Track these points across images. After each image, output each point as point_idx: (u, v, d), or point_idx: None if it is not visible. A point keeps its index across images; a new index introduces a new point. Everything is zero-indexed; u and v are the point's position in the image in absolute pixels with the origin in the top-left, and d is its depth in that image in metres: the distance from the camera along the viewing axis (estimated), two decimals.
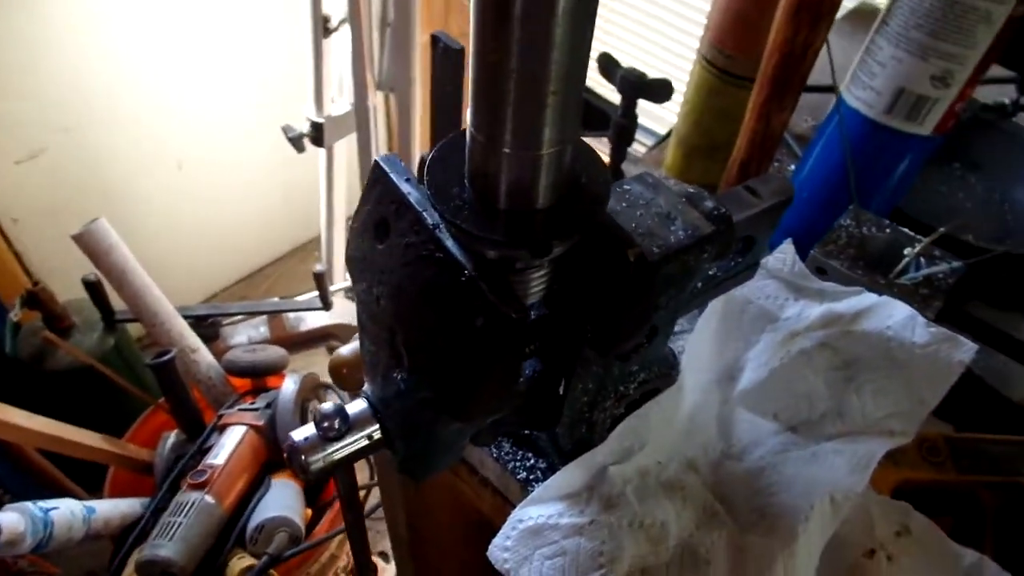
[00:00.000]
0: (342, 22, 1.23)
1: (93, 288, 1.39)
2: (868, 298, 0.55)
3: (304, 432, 0.38)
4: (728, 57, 0.74)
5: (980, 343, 0.70)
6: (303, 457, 0.38)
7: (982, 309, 0.77)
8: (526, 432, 0.59)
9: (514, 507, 0.52)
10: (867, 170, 0.69)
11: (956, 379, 0.47)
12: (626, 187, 0.43)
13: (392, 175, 0.35)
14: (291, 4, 1.86)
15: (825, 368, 0.55)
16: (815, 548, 0.48)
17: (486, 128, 0.29)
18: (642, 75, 0.77)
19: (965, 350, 0.47)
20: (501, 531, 0.51)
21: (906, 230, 0.65)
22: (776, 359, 0.57)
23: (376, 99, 1.08)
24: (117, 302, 1.44)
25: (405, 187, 0.34)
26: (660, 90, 0.76)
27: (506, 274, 0.33)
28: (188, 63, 1.82)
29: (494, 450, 0.58)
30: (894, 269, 0.62)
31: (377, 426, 0.39)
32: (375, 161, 0.36)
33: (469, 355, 0.32)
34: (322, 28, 1.20)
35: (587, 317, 0.38)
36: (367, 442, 0.39)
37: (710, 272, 0.51)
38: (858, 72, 0.68)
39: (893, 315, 0.50)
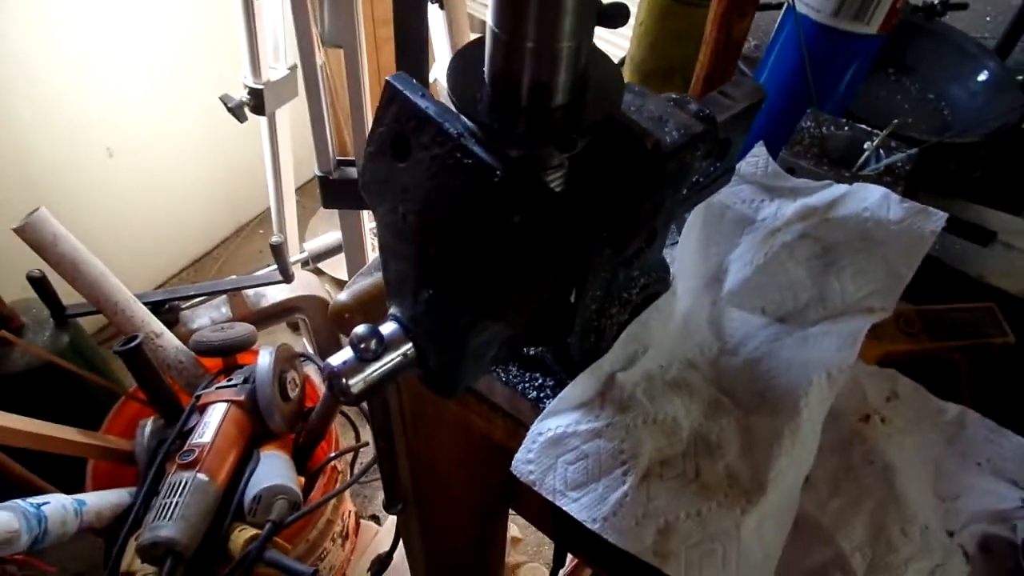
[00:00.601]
0: None
1: (39, 284, 1.33)
2: (839, 188, 0.58)
3: (341, 357, 0.39)
4: None
5: None
6: (344, 380, 0.39)
7: (928, 198, 0.82)
8: (532, 353, 0.61)
9: (527, 428, 0.54)
10: (820, 73, 0.72)
11: (929, 248, 0.51)
12: None
13: (407, 92, 0.36)
14: None
15: (806, 258, 0.58)
16: (817, 420, 0.51)
17: (509, 25, 0.30)
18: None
19: (936, 219, 0.51)
20: (522, 446, 0.53)
21: (863, 126, 0.69)
22: (760, 256, 0.60)
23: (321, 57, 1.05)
24: (66, 297, 1.40)
25: (422, 102, 0.35)
26: (616, 15, 0.77)
27: (532, 170, 0.35)
28: (108, 44, 1.73)
29: (502, 374, 0.60)
30: (856, 163, 0.66)
31: (410, 344, 0.41)
32: (387, 81, 0.36)
33: (509, 252, 0.33)
34: None
35: (601, 216, 0.40)
36: (402, 359, 0.41)
37: (694, 178, 0.54)
38: None
39: (868, 197, 0.54)
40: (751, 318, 0.61)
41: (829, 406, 0.52)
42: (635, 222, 0.40)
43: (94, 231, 1.92)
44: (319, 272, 2.20)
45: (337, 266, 2.17)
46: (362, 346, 0.39)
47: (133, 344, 1.10)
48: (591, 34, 0.32)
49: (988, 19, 1.22)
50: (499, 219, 0.33)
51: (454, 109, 0.35)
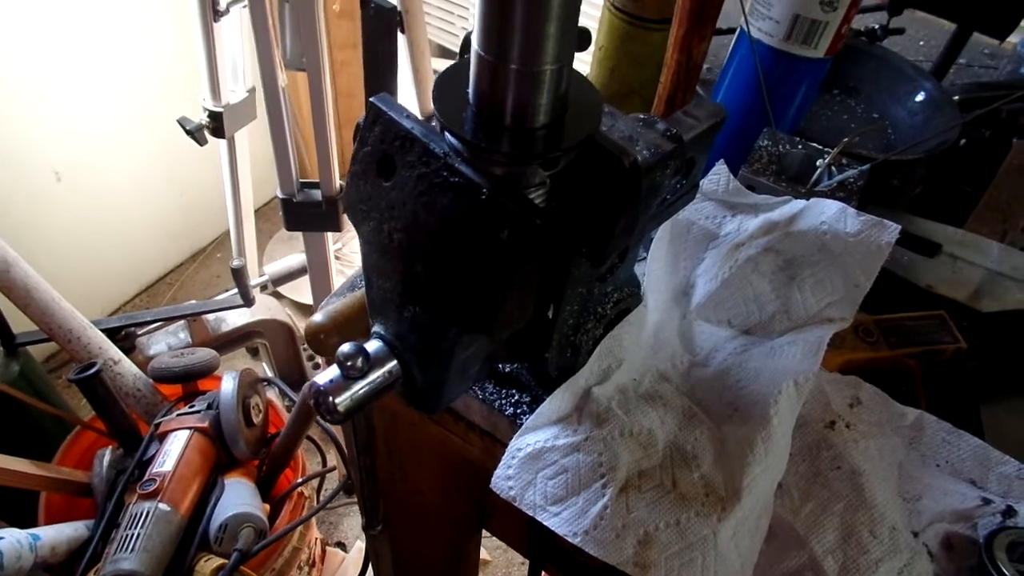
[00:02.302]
0: (231, 4, 1.19)
1: None
2: (798, 203, 0.61)
3: (328, 375, 0.39)
4: (637, 1, 0.79)
5: None
6: (330, 399, 0.39)
7: (877, 211, 0.86)
8: (507, 370, 0.61)
9: (504, 445, 0.55)
10: (773, 94, 0.75)
11: (885, 258, 0.54)
12: None
13: (391, 113, 0.37)
14: None
15: (770, 271, 0.61)
16: (787, 428, 0.53)
17: (495, 48, 0.31)
18: None
19: (891, 231, 0.53)
20: (501, 462, 0.53)
21: (816, 145, 0.72)
22: (725, 270, 0.62)
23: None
24: (15, 325, 1.35)
25: (407, 123, 0.36)
26: (579, 40, 0.79)
27: (516, 184, 0.36)
28: (57, 63, 1.69)
29: (478, 392, 0.61)
30: (811, 179, 0.69)
31: (395, 361, 0.41)
32: (371, 102, 0.37)
33: (497, 267, 0.34)
34: (211, 12, 1.15)
35: (580, 230, 0.41)
36: (388, 376, 0.41)
37: (662, 196, 0.55)
38: (756, 5, 0.74)
39: (825, 211, 0.57)
40: (719, 330, 0.63)
41: (798, 413, 0.54)
42: (612, 236, 0.41)
43: (42, 257, 1.85)
44: (279, 296, 2.17)
45: (296, 290, 2.15)
46: (348, 364, 0.39)
47: (91, 372, 1.06)
48: (572, 56, 0.34)
49: (922, 43, 1.29)
50: (487, 235, 0.34)
51: (437, 128, 0.36)
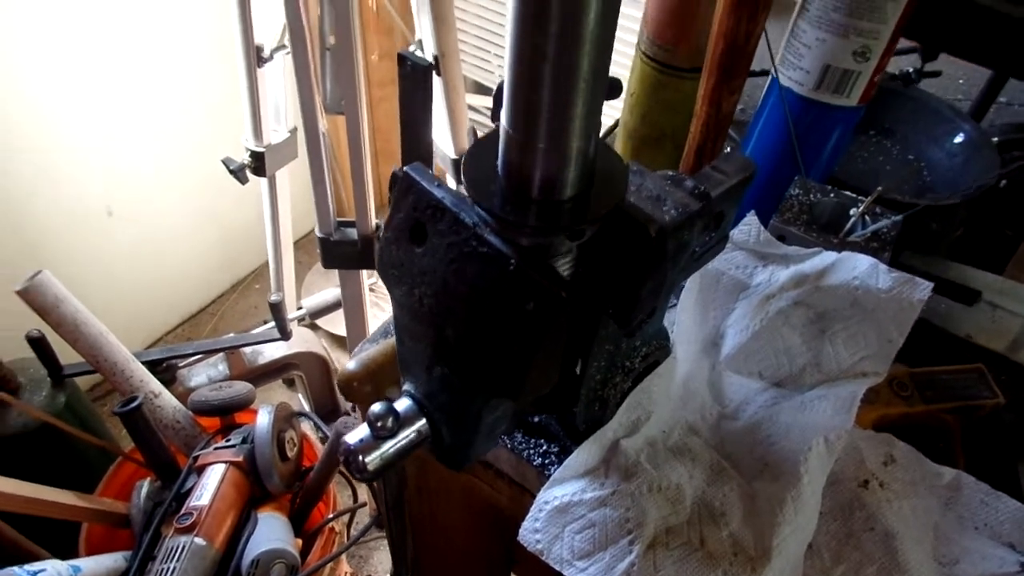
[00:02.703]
0: (275, 51, 1.24)
1: (38, 344, 1.33)
2: (829, 256, 0.61)
3: (358, 435, 0.40)
4: (668, 51, 0.80)
5: None
6: (360, 458, 0.40)
7: (913, 257, 0.85)
8: (536, 420, 0.62)
9: (532, 495, 0.55)
10: (805, 142, 0.75)
11: (917, 315, 0.54)
12: None
13: (423, 183, 0.38)
14: (214, 36, 1.84)
15: (800, 324, 0.60)
16: (817, 486, 0.52)
17: (522, 127, 0.33)
18: None
19: (923, 288, 0.53)
20: (529, 515, 0.54)
21: (848, 193, 0.72)
22: (756, 322, 0.62)
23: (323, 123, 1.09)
24: (63, 356, 1.40)
25: (438, 192, 0.37)
26: (610, 88, 0.81)
27: (543, 258, 0.37)
28: (109, 105, 1.77)
29: (507, 441, 0.61)
30: (844, 228, 0.68)
31: (424, 420, 0.42)
32: (404, 172, 0.39)
33: (523, 338, 0.35)
34: (255, 58, 1.20)
35: (607, 294, 0.42)
36: (417, 436, 0.42)
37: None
38: (786, 54, 0.74)
39: (857, 267, 0.56)
40: (749, 382, 0.63)
41: (828, 471, 0.54)
42: (639, 299, 0.41)
43: (90, 290, 1.92)
44: (315, 327, 2.21)
45: (333, 322, 2.18)
46: (379, 424, 0.40)
47: (133, 406, 1.10)
48: (599, 130, 0.35)
49: (961, 81, 1.27)
50: (514, 306, 0.35)
51: (468, 198, 0.37)
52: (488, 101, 2.40)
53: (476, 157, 0.36)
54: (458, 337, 0.37)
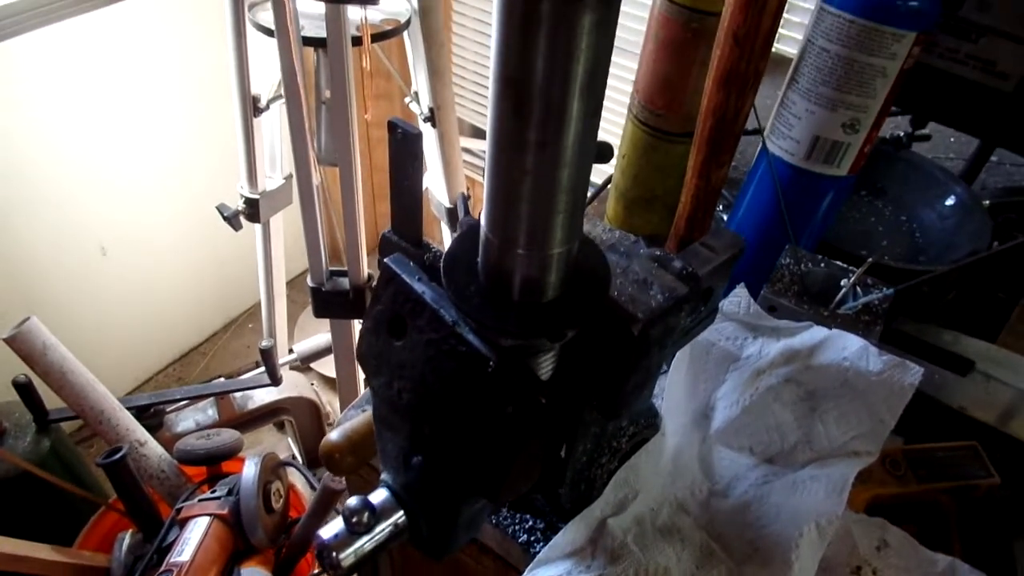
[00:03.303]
0: (271, 101, 1.25)
1: (24, 389, 1.32)
2: (820, 332, 0.60)
3: (332, 529, 0.39)
4: (659, 116, 0.80)
5: (912, 355, 0.77)
6: (334, 554, 0.39)
7: (907, 324, 0.84)
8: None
9: (516, 570, 0.54)
10: (795, 210, 0.75)
11: (909, 399, 0.53)
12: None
13: (404, 275, 0.37)
14: (210, 83, 1.86)
15: (791, 401, 0.59)
16: (809, 572, 0.51)
17: (500, 232, 0.32)
18: None
19: (913, 373, 0.52)
20: None
21: (839, 263, 0.72)
22: (746, 397, 0.61)
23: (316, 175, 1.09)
24: (49, 401, 1.38)
25: (419, 287, 0.37)
26: (601, 153, 0.81)
27: (523, 359, 0.36)
28: (105, 145, 1.78)
29: (492, 517, 0.60)
30: (834, 300, 0.68)
31: (402, 513, 0.41)
32: (385, 263, 0.38)
33: (501, 441, 0.34)
34: (252, 108, 1.20)
35: (592, 386, 0.41)
36: (394, 529, 0.41)
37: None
38: (777, 124, 0.74)
39: (847, 347, 0.56)
40: (740, 458, 0.62)
41: (820, 557, 0.52)
42: (624, 392, 0.41)
43: (82, 326, 1.92)
44: (307, 368, 2.19)
45: (325, 363, 2.17)
46: (354, 520, 0.39)
47: (116, 458, 1.08)
48: (580, 233, 0.34)
49: (952, 139, 1.28)
50: (492, 408, 0.34)
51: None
52: (484, 145, 2.42)
53: (456, 257, 0.36)
54: (436, 435, 0.37)
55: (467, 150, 2.39)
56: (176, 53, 1.80)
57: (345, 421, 0.66)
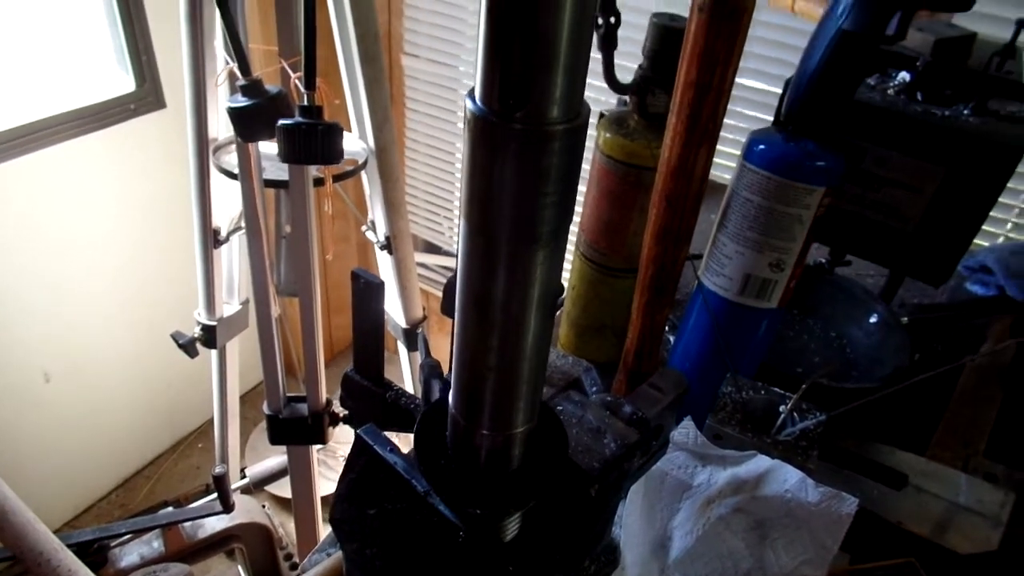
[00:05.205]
0: (231, 233, 1.28)
1: None
2: (763, 461, 0.64)
3: None
4: (603, 254, 0.87)
5: (850, 471, 0.82)
6: None
7: (845, 439, 0.89)
8: None
9: None
10: (733, 340, 0.81)
11: (847, 528, 0.57)
12: (558, 408, 0.51)
13: (376, 447, 0.40)
14: (163, 214, 1.89)
15: (742, 529, 0.63)
16: None
17: (466, 414, 0.36)
18: None
19: (849, 504, 0.56)
20: None
21: (777, 389, 0.77)
22: (699, 526, 0.64)
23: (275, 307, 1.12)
24: None
25: (391, 457, 0.40)
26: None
27: (491, 525, 0.39)
28: (50, 271, 1.78)
29: None
30: (775, 425, 0.73)
31: None
32: (357, 434, 0.41)
33: None
34: (212, 240, 1.24)
35: (554, 540, 0.44)
36: None
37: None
38: (710, 262, 0.81)
39: (788, 479, 0.60)
40: None
41: None
42: (587, 542, 0.43)
43: (20, 456, 1.84)
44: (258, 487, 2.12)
45: (279, 484, 2.11)
46: None
47: None
48: (539, 408, 0.38)
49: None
50: (463, 575, 0.36)
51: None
52: (438, 259, 2.50)
53: (426, 431, 0.39)
54: None
55: (422, 264, 2.46)
56: (127, 185, 1.84)
57: (310, 567, 0.66)
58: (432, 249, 2.46)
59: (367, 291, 0.70)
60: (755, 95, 1.73)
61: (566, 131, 0.25)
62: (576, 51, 0.23)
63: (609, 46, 0.70)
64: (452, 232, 2.31)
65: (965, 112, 0.76)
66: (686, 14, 0.60)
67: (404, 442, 0.42)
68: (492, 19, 0.23)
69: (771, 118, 0.75)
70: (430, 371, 0.60)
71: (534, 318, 0.31)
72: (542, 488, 0.38)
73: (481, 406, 0.35)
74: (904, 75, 0.80)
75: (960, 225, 0.78)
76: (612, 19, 0.68)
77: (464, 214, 0.28)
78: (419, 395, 0.65)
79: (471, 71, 2.05)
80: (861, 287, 1.09)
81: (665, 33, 0.71)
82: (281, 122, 0.83)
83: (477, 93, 0.25)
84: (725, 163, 1.71)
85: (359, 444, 0.41)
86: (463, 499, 0.37)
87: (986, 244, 1.41)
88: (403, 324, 1.39)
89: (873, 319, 1.06)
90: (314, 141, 0.82)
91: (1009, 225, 1.62)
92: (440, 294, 1.42)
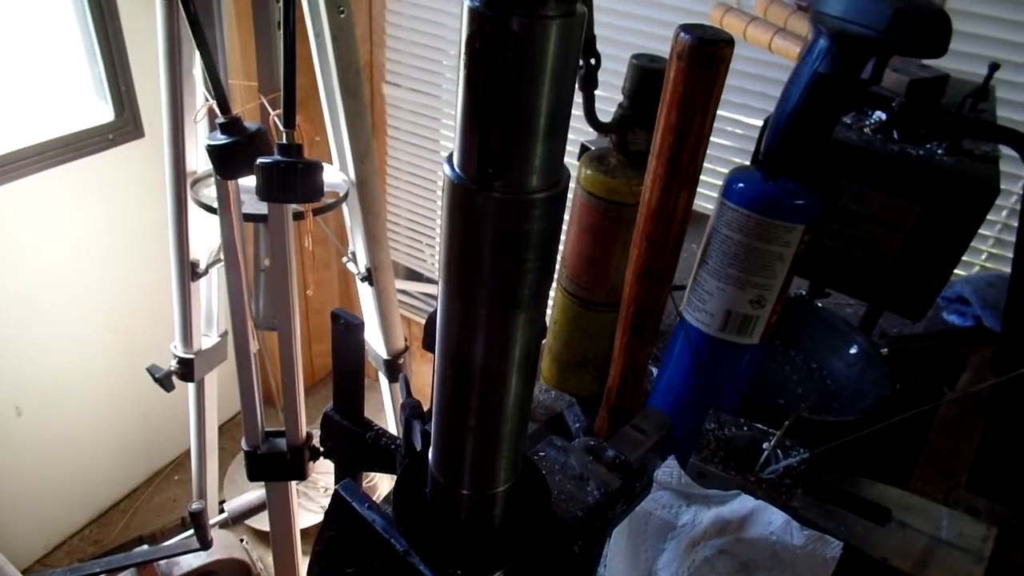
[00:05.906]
0: (210, 265, 1.27)
1: None
2: (748, 502, 0.64)
3: None
4: (585, 288, 0.87)
5: (834, 506, 0.81)
6: None
7: (826, 472, 0.89)
8: None
9: None
10: (716, 375, 0.81)
11: (832, 571, 0.56)
12: (540, 454, 0.50)
13: (354, 504, 0.39)
14: (139, 248, 1.87)
15: (727, 572, 0.62)
16: None
17: (446, 474, 0.35)
18: None
19: (834, 547, 0.56)
20: None
21: (760, 426, 0.77)
22: (684, 568, 0.64)
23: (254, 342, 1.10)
24: None
25: (369, 515, 0.39)
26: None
27: None
28: (23, 304, 1.74)
29: None
30: (759, 463, 0.73)
31: None
32: (336, 491, 0.40)
33: None
34: (189, 273, 1.22)
35: None
36: None
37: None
38: (692, 297, 0.82)
39: (772, 521, 0.59)
40: None
41: None
42: None
43: None
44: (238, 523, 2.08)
45: (257, 517, 2.07)
46: None
47: None
48: (521, 463, 0.38)
49: None
50: None
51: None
52: (420, 287, 2.49)
53: (405, 488, 0.38)
54: None
55: (403, 291, 2.44)
56: (105, 215, 1.82)
57: None
58: (414, 276, 2.45)
59: (347, 331, 0.69)
60: (735, 126, 1.76)
61: (546, 199, 0.25)
62: (555, 122, 0.23)
63: (590, 86, 0.71)
64: (434, 260, 2.31)
65: (939, 152, 0.77)
66: (666, 54, 0.61)
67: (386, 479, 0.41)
68: (470, 91, 0.22)
69: (751, 149, 0.75)
70: (411, 411, 0.59)
71: (515, 379, 0.31)
72: (524, 546, 0.37)
73: (461, 466, 0.34)
74: (880, 114, 0.81)
75: (938, 261, 0.79)
76: (592, 60, 0.68)
77: (442, 277, 0.28)
78: (399, 434, 0.64)
79: (452, 100, 2.05)
80: (841, 318, 1.10)
81: (644, 75, 0.71)
82: (260, 160, 0.82)
83: (456, 160, 0.25)
84: (707, 192, 1.72)
85: (337, 500, 0.40)
86: (443, 559, 0.36)
87: (963, 273, 1.43)
88: (384, 355, 1.38)
89: (853, 350, 1.06)
90: (293, 179, 0.82)
91: (984, 255, 1.65)
92: (423, 322, 1.41)
